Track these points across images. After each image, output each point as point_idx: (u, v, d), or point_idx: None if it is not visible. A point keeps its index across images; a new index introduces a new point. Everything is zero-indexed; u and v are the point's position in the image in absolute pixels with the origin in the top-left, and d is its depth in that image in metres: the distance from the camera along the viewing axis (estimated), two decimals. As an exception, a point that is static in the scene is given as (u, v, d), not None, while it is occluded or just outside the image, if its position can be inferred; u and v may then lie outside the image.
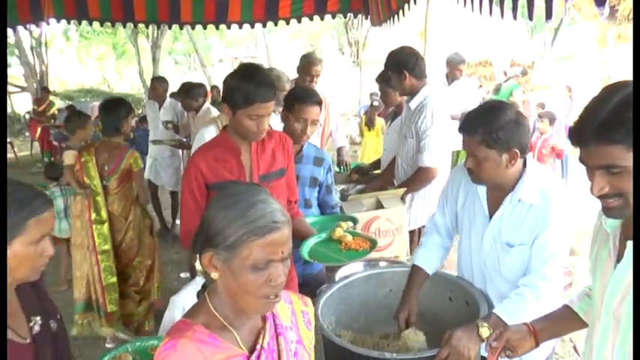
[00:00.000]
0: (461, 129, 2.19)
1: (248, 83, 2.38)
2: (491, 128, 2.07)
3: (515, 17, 3.28)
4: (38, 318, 1.70)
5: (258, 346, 1.42)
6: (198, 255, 1.39)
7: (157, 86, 6.99)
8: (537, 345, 1.86)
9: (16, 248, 1.53)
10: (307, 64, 5.00)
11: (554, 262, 2.13)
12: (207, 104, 6.52)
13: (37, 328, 1.68)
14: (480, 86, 11.96)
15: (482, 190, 2.32)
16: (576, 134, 1.37)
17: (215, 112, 6.13)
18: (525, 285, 2.13)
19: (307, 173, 3.24)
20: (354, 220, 2.99)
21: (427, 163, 3.59)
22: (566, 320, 1.90)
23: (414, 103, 3.67)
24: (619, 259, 1.51)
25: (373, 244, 2.61)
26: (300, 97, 3.11)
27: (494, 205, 2.29)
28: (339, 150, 5.50)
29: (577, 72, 16.36)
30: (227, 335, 1.38)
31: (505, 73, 11.13)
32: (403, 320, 2.42)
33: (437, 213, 2.63)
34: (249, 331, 1.44)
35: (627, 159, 1.29)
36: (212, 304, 1.39)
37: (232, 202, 1.33)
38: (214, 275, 1.35)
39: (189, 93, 6.38)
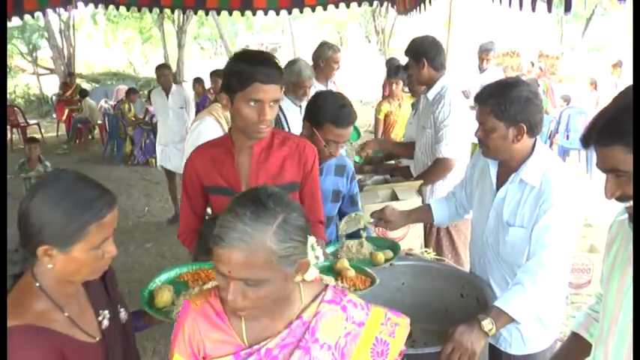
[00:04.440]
0: (475, 99, 2.27)
1: (245, 63, 2.11)
2: (501, 101, 2.15)
3: (549, 10, 3.20)
4: (106, 312, 1.65)
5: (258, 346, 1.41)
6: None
7: (161, 74, 6.98)
8: None
9: (75, 254, 1.43)
10: (334, 53, 4.89)
11: (553, 248, 2.11)
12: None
13: (105, 322, 1.63)
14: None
15: (493, 168, 2.37)
16: (584, 136, 1.42)
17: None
18: (522, 272, 2.12)
19: (328, 186, 2.83)
20: (395, 250, 2.54)
21: (445, 153, 3.54)
22: (579, 350, 1.91)
23: (431, 94, 3.62)
24: None
25: (372, 283, 2.18)
26: (335, 119, 2.62)
27: (502, 182, 2.32)
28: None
29: (607, 63, 16.02)
30: None
31: (532, 64, 10.93)
32: (377, 215, 2.63)
33: (458, 184, 2.77)
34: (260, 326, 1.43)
35: (630, 163, 1.32)
36: None
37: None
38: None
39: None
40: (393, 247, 2.58)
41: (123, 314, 1.75)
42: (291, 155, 2.34)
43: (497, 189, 2.33)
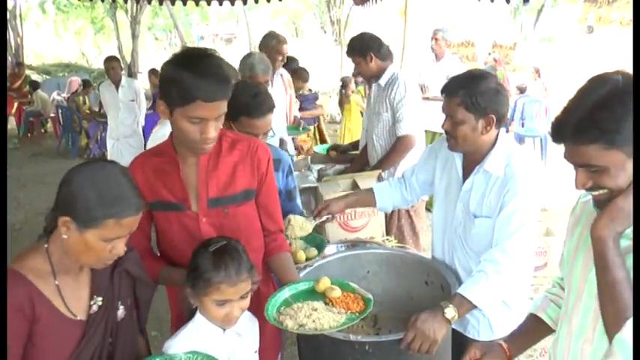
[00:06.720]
0: (442, 90, 2.25)
1: (188, 73, 1.74)
2: (472, 92, 2.14)
3: (508, 0, 3.28)
4: (100, 299, 1.70)
5: None
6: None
7: (110, 66, 6.72)
8: None
9: (88, 237, 1.52)
10: (278, 44, 4.63)
11: (518, 236, 2.13)
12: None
13: (95, 308, 1.68)
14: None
15: (458, 158, 2.37)
16: (555, 133, 1.42)
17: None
18: (486, 260, 2.14)
19: None
20: (320, 248, 2.55)
21: (405, 130, 3.66)
22: (537, 331, 1.92)
23: (383, 80, 3.75)
24: None
25: (367, 305, 1.95)
26: (248, 110, 2.49)
27: (467, 173, 2.33)
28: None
29: (559, 53, 16.50)
30: None
31: (489, 54, 11.16)
32: (317, 210, 2.63)
33: (409, 169, 2.72)
34: None
35: (605, 159, 1.34)
36: None
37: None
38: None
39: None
40: (319, 244, 2.61)
41: (121, 312, 1.76)
42: (242, 159, 2.07)
43: (464, 180, 2.33)
